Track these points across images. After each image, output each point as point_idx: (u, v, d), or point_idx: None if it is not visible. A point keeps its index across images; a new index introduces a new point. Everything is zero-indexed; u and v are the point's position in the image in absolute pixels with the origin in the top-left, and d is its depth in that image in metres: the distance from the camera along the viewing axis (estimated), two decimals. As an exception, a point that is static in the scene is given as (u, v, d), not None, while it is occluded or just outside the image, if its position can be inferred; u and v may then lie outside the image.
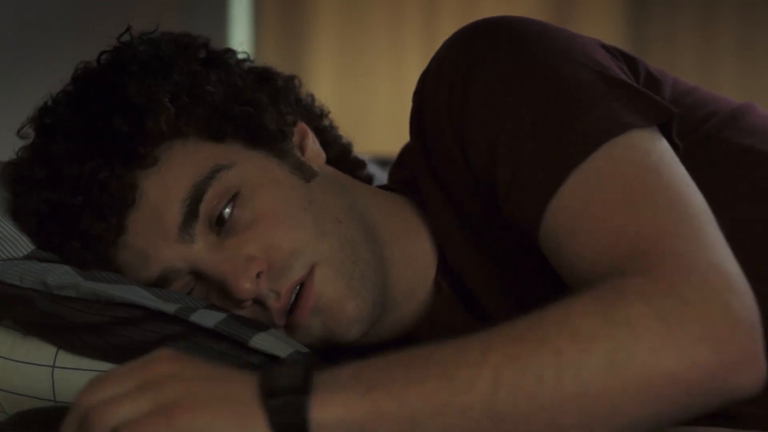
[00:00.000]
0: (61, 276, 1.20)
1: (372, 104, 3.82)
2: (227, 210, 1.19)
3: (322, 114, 1.38)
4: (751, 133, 1.21)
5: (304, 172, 1.25)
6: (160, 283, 1.21)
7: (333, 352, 1.27)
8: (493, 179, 1.12)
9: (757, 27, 3.69)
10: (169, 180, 1.20)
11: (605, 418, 0.90)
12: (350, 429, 0.88)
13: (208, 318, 1.17)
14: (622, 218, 1.01)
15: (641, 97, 1.11)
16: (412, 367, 0.90)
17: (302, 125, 1.30)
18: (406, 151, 1.38)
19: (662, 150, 1.07)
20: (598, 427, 0.90)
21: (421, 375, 0.89)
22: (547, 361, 0.90)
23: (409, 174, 1.31)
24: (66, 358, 1.23)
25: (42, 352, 1.23)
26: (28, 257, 1.23)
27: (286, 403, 0.88)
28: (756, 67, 3.72)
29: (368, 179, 1.41)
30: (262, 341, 1.17)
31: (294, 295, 1.19)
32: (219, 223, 1.19)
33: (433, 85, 1.17)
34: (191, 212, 1.19)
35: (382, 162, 1.49)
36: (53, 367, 1.23)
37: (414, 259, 1.27)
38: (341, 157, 1.38)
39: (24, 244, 1.24)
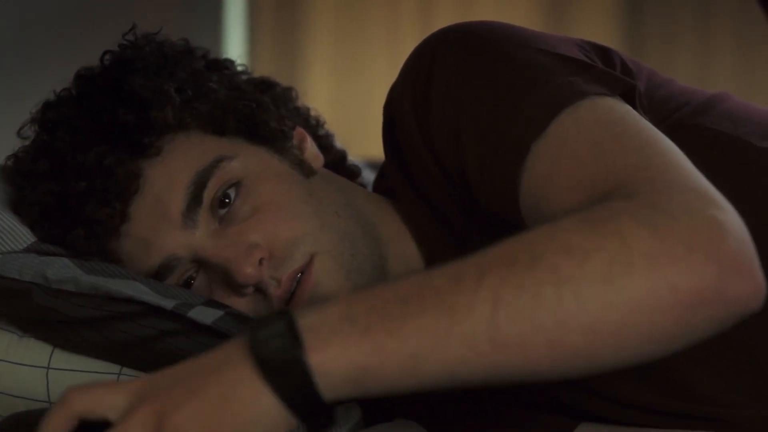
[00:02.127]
0: (61, 269, 1.20)
1: (368, 109, 3.81)
2: (229, 198, 1.21)
3: (318, 124, 1.41)
4: (724, 119, 1.22)
5: (304, 169, 1.27)
6: (162, 273, 1.22)
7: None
8: (462, 169, 1.13)
9: (754, 27, 3.69)
10: (172, 169, 1.21)
11: (609, 337, 0.87)
12: (354, 374, 0.86)
13: (206, 314, 1.18)
14: (594, 166, 0.99)
15: (598, 71, 1.11)
16: (406, 301, 0.87)
17: (301, 130, 1.32)
18: (386, 165, 1.40)
19: (625, 108, 1.06)
20: (602, 348, 0.88)
21: (417, 308, 0.87)
22: (544, 278, 0.87)
23: (391, 186, 1.33)
24: (61, 359, 1.23)
25: (37, 353, 1.23)
26: (27, 250, 1.23)
27: (285, 366, 0.85)
28: (752, 67, 3.72)
29: (362, 186, 1.42)
30: (258, 339, 1.17)
31: (295, 283, 1.20)
32: (221, 210, 1.21)
33: (399, 94, 1.19)
34: (195, 199, 1.20)
35: (377, 166, 1.49)
36: (48, 368, 1.23)
37: (406, 259, 1.28)
38: (337, 163, 1.40)
39: (24, 237, 1.24)
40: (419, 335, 0.86)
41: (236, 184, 1.21)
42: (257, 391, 0.86)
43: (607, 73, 1.11)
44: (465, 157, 1.11)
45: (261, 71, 1.40)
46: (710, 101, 1.24)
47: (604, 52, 1.20)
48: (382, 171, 1.39)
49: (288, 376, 0.85)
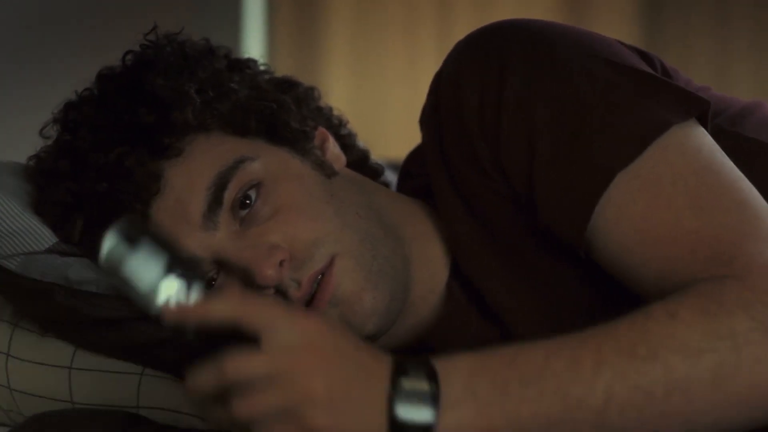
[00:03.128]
0: (82, 270, 1.20)
1: (386, 110, 3.81)
2: (250, 200, 1.20)
3: (341, 123, 1.40)
4: (762, 127, 1.24)
5: (325, 170, 1.26)
6: None
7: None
8: (530, 184, 1.13)
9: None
10: (193, 169, 1.21)
11: (706, 425, 0.97)
12: None
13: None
14: (694, 223, 1.05)
15: (675, 91, 1.13)
16: (526, 383, 0.95)
17: (322, 130, 1.31)
18: (411, 160, 1.39)
19: (709, 144, 1.10)
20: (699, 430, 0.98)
21: (535, 393, 0.95)
22: (657, 378, 0.96)
23: (419, 182, 1.32)
24: (83, 360, 1.23)
25: (59, 353, 1.23)
26: (50, 251, 1.23)
27: (414, 425, 0.94)
28: (771, 69, 3.71)
29: (385, 185, 1.41)
30: (279, 340, 1.17)
31: (315, 285, 1.19)
32: (242, 212, 1.20)
33: (455, 85, 1.18)
34: (215, 200, 1.20)
35: (397, 167, 1.49)
36: (70, 368, 1.23)
37: (429, 261, 1.27)
38: (360, 163, 1.39)
39: (46, 238, 1.24)
40: (532, 419, 0.95)
41: (257, 185, 1.21)
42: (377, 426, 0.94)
43: (683, 91, 1.13)
44: (536, 167, 1.12)
45: (279, 71, 1.39)
46: (746, 109, 1.25)
47: (649, 60, 1.20)
48: (407, 170, 1.38)
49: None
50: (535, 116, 1.12)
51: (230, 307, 0.94)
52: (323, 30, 3.91)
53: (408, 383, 0.95)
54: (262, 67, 1.34)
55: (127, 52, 1.28)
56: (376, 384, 0.95)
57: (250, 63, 1.33)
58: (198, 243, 1.20)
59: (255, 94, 1.27)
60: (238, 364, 0.93)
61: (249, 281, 1.19)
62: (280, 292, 1.20)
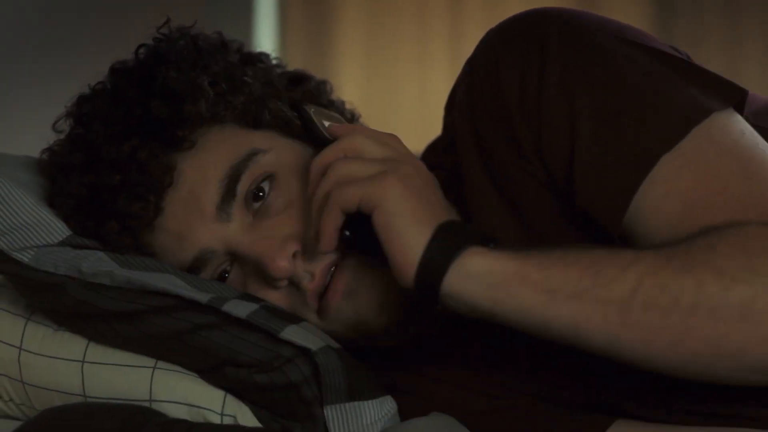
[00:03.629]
0: (96, 263, 1.20)
1: (398, 105, 3.82)
2: (263, 192, 1.21)
3: (353, 117, 1.40)
4: None
5: None
6: (196, 266, 1.22)
7: (360, 353, 1.27)
8: (569, 168, 1.13)
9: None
10: (206, 162, 1.21)
11: (730, 356, 0.98)
12: (490, 281, 1.03)
13: (241, 308, 1.18)
14: (743, 187, 1.06)
15: (714, 78, 1.13)
16: (566, 254, 1.03)
17: None
18: (429, 152, 1.38)
19: (750, 129, 1.11)
20: (722, 361, 0.99)
21: (571, 261, 1.02)
22: (687, 287, 0.98)
23: (436, 174, 1.31)
24: (96, 353, 1.23)
25: (72, 347, 1.24)
26: (63, 243, 1.23)
27: (449, 241, 1.04)
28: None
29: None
30: (293, 333, 1.17)
31: (329, 277, 1.19)
32: (255, 204, 1.21)
33: (493, 68, 1.17)
34: (229, 192, 1.20)
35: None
36: (83, 362, 1.23)
37: None
38: None
39: (59, 231, 1.24)
40: (561, 280, 1.01)
41: (270, 178, 1.21)
42: (421, 234, 1.05)
43: (722, 79, 1.14)
44: (576, 151, 1.12)
45: (291, 66, 1.40)
46: None
47: (681, 55, 1.20)
48: (424, 162, 1.37)
49: (442, 249, 1.04)
50: (576, 100, 1.12)
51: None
52: (334, 26, 3.91)
53: (463, 232, 1.05)
54: (274, 61, 1.34)
55: (140, 46, 1.29)
56: (436, 215, 1.06)
57: (263, 57, 1.34)
58: (211, 234, 1.20)
59: (268, 87, 1.27)
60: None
61: (262, 273, 1.19)
62: (294, 284, 1.20)
